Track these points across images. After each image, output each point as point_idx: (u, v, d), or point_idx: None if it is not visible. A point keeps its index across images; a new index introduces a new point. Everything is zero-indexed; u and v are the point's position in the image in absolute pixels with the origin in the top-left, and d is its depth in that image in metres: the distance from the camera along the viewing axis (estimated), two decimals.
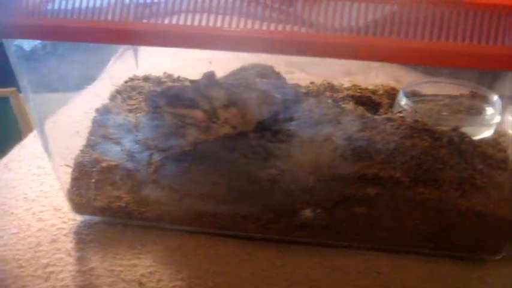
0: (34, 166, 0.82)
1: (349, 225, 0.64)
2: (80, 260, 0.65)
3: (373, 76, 0.88)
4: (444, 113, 0.72)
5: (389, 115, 0.69)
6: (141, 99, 0.75)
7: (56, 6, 0.53)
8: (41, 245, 0.67)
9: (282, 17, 0.49)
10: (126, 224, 0.69)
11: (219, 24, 0.50)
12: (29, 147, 0.88)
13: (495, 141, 0.70)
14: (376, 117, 0.68)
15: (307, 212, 0.63)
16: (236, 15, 0.50)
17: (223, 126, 0.60)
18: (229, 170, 0.62)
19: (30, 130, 1.06)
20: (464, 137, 0.66)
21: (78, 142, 0.72)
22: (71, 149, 0.71)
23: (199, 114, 0.60)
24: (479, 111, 0.74)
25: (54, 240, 0.68)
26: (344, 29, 0.49)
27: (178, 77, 0.81)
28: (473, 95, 0.77)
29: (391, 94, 0.78)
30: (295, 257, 0.65)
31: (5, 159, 0.86)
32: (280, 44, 0.50)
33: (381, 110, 0.72)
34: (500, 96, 0.74)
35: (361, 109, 0.69)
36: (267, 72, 0.67)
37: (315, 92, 0.75)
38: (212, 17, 0.50)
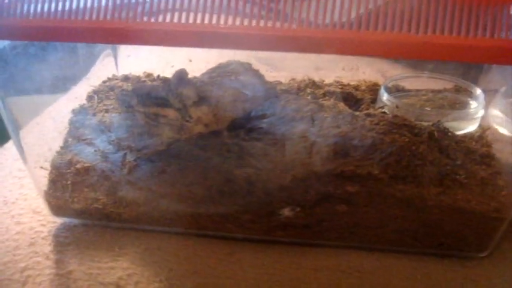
0: (15, 169, 0.81)
1: (330, 224, 0.63)
2: (58, 263, 0.64)
3: (360, 72, 0.87)
4: (427, 108, 0.71)
5: (370, 111, 0.67)
6: None
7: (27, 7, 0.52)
8: (19, 248, 0.66)
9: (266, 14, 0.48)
10: (105, 226, 0.68)
11: (199, 21, 0.49)
12: (11, 150, 0.87)
13: (479, 136, 0.69)
14: (356, 113, 0.67)
15: (287, 211, 0.62)
16: (219, 12, 0.48)
17: (196, 124, 0.59)
18: (204, 169, 0.61)
19: None
20: (446, 132, 0.65)
21: (58, 144, 0.71)
22: (51, 151, 0.70)
23: (171, 113, 0.59)
24: (463, 106, 0.73)
25: (32, 244, 0.67)
26: (328, 24, 0.48)
27: (158, 76, 0.80)
28: (457, 90, 0.76)
29: (374, 90, 0.76)
30: (277, 257, 0.64)
31: None
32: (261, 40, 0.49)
33: (362, 106, 0.71)
34: (484, 90, 0.73)
35: (341, 105, 0.68)
36: (244, 70, 0.66)
37: (296, 89, 0.74)
38: (191, 14, 0.49)
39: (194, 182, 0.61)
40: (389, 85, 0.75)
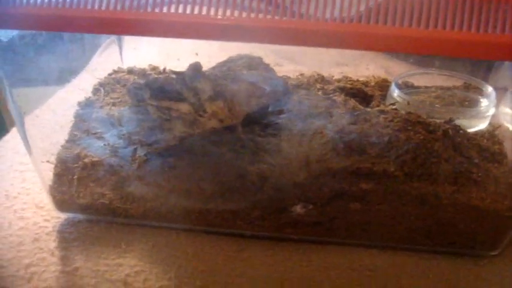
0: (16, 162, 0.79)
1: (342, 222, 0.62)
2: (64, 259, 0.63)
3: (364, 67, 0.86)
4: (437, 105, 0.71)
5: (382, 107, 0.67)
6: (125, 92, 0.72)
7: None
8: (23, 244, 0.65)
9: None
10: (111, 222, 0.67)
11: (204, 12, 0.48)
12: (11, 143, 0.85)
13: (490, 134, 0.68)
14: (368, 109, 0.66)
15: (299, 208, 0.61)
16: (223, 6, 0.47)
17: (210, 119, 0.58)
18: (216, 165, 0.60)
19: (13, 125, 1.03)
20: (459, 130, 0.64)
21: (62, 137, 0.70)
22: (54, 144, 0.69)
23: (185, 107, 0.58)
24: (474, 103, 0.72)
25: (36, 239, 0.65)
26: (336, 18, 0.47)
27: (164, 69, 0.79)
28: (467, 87, 0.76)
29: (383, 86, 0.76)
30: (287, 254, 0.64)
31: None
32: (269, 33, 0.47)
33: (373, 102, 0.70)
34: (494, 88, 0.72)
35: (352, 101, 0.67)
36: (255, 64, 0.65)
37: (305, 84, 0.73)
38: (197, 7, 0.48)
39: (205, 178, 0.60)
40: (399, 82, 0.74)
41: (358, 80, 0.77)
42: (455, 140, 0.62)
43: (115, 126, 0.64)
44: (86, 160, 0.63)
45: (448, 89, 0.76)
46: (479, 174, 0.61)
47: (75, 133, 0.68)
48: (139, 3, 0.49)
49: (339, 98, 0.68)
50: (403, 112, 0.65)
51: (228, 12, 0.47)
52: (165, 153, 0.61)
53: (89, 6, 0.49)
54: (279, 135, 0.59)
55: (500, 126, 0.70)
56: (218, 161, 0.60)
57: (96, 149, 0.63)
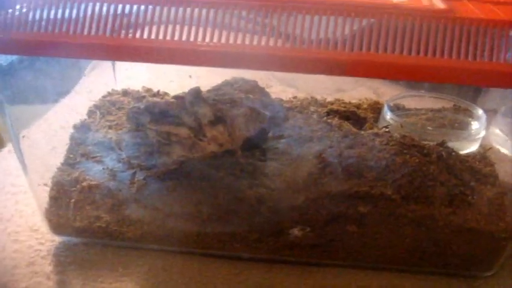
0: (7, 184, 0.78)
1: (339, 244, 0.63)
2: (60, 283, 0.62)
3: (353, 91, 0.87)
4: (429, 128, 0.72)
5: (375, 130, 0.68)
6: (121, 114, 0.72)
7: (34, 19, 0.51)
8: (18, 268, 0.64)
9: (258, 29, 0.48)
10: (107, 245, 0.67)
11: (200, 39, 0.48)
12: (2, 164, 0.84)
13: (481, 156, 0.70)
14: (362, 132, 0.67)
15: (296, 231, 0.62)
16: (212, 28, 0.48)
17: (210, 143, 0.58)
18: (215, 189, 0.60)
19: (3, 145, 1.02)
20: (451, 152, 0.65)
21: (54, 159, 0.69)
22: (46, 166, 0.68)
23: (184, 131, 0.58)
24: (464, 126, 0.74)
25: (31, 263, 0.65)
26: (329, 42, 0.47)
27: (158, 91, 0.79)
28: (457, 109, 0.77)
29: (375, 108, 0.77)
30: (284, 277, 0.64)
31: None
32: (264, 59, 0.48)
33: (366, 125, 0.71)
34: (484, 110, 0.74)
35: (347, 124, 0.68)
36: (251, 87, 0.66)
37: (299, 107, 0.73)
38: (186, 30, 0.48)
39: (203, 201, 0.61)
40: (391, 104, 0.75)
41: (350, 103, 0.77)
42: (449, 162, 0.64)
43: (114, 150, 0.64)
44: (84, 184, 0.63)
45: (439, 111, 0.77)
46: (474, 196, 0.62)
47: (71, 156, 0.67)
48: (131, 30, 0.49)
49: (334, 121, 0.69)
50: (396, 135, 0.66)
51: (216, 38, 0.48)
52: (164, 177, 0.61)
53: (85, 33, 0.50)
54: (279, 159, 0.60)
55: (491, 148, 0.71)
56: (217, 184, 0.60)
57: (95, 172, 0.63)
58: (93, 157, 0.64)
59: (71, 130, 0.72)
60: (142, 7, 0.49)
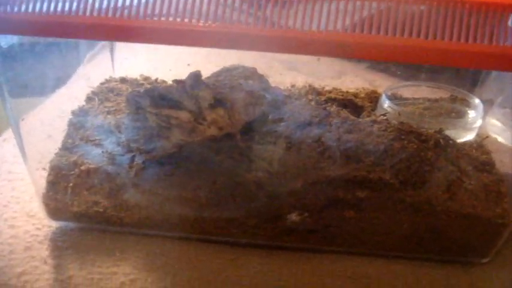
0: (4, 171, 0.78)
1: (338, 230, 0.63)
2: (57, 268, 0.62)
3: (348, 81, 0.87)
4: (427, 116, 0.72)
5: (373, 117, 0.68)
6: (119, 100, 0.72)
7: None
8: (14, 253, 0.64)
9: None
10: (104, 230, 0.67)
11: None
12: None
13: (478, 144, 0.70)
14: (360, 119, 0.67)
15: (294, 216, 0.62)
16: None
17: (210, 127, 0.58)
18: (214, 173, 0.60)
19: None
20: (448, 140, 0.66)
21: (51, 145, 0.69)
22: (43, 153, 0.68)
23: (184, 115, 0.58)
24: (461, 115, 0.74)
25: (28, 248, 0.65)
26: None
27: (156, 79, 0.79)
28: (453, 99, 0.78)
29: (373, 97, 0.77)
30: (282, 262, 0.64)
31: None
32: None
33: (364, 113, 0.71)
34: (481, 100, 0.74)
35: (344, 112, 0.68)
36: (250, 74, 0.66)
37: (297, 95, 0.74)
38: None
39: (202, 186, 0.61)
40: (389, 93, 0.76)
41: (348, 92, 0.78)
42: (446, 149, 0.64)
43: (113, 133, 0.63)
44: (83, 167, 0.63)
45: (436, 100, 0.78)
46: (471, 183, 0.62)
47: (69, 140, 0.67)
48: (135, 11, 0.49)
49: (332, 108, 0.69)
50: (394, 122, 0.66)
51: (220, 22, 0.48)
52: (163, 160, 0.61)
53: (88, 14, 0.50)
54: (278, 143, 0.60)
55: (487, 137, 0.72)
56: (215, 168, 0.60)
57: (94, 156, 0.63)
58: (91, 140, 0.64)
59: (70, 116, 0.71)
60: None
